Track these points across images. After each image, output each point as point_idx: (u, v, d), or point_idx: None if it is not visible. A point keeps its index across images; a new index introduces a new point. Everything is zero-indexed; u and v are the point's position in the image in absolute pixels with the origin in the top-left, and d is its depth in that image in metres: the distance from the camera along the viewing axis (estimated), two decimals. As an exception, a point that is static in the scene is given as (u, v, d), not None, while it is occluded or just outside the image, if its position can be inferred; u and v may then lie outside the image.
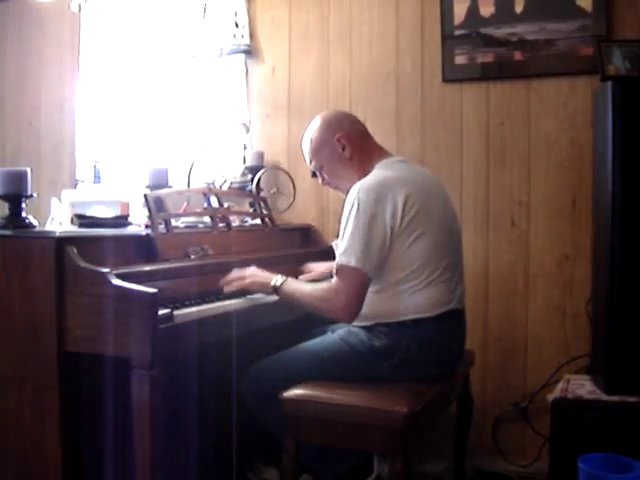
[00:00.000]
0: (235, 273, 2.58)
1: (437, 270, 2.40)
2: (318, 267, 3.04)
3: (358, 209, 2.33)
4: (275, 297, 2.56)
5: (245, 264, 2.73)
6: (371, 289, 2.37)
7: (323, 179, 2.70)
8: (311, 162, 2.69)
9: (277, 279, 2.50)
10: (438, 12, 3.40)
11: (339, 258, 2.34)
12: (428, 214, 2.40)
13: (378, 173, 2.47)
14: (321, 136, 2.62)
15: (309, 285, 2.49)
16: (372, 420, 2.22)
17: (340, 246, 2.36)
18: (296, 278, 2.87)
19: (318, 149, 2.64)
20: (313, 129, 2.66)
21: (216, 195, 3.03)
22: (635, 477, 2.39)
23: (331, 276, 2.47)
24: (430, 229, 2.39)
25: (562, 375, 3.09)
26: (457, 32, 3.36)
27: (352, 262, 2.30)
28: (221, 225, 2.94)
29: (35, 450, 2.22)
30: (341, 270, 2.34)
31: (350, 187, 2.47)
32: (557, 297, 3.24)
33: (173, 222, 2.71)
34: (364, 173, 2.51)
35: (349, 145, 2.58)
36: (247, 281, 2.55)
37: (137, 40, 4.05)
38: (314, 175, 2.74)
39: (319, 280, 2.85)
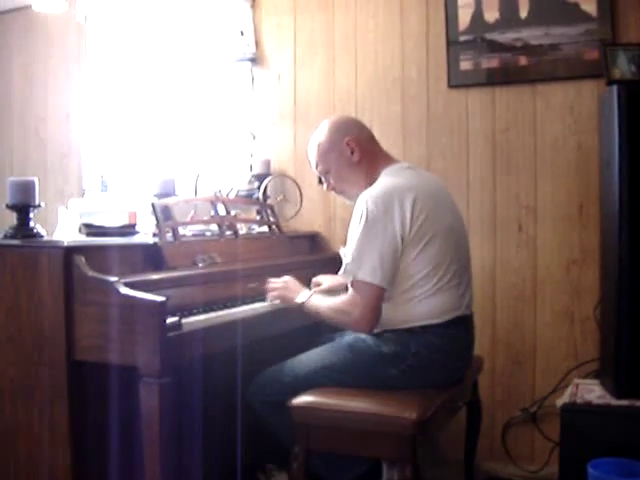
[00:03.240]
0: (270, 283, 2.66)
1: (446, 276, 2.40)
2: (327, 280, 3.01)
3: (367, 220, 2.33)
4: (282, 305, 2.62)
5: (253, 272, 2.74)
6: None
7: (328, 184, 2.69)
8: (317, 166, 2.67)
9: (303, 296, 2.54)
10: (443, 18, 3.40)
11: (352, 271, 2.35)
12: (436, 220, 2.40)
13: (385, 180, 2.47)
14: (329, 140, 2.61)
15: (329, 299, 2.50)
16: (381, 427, 2.21)
17: (350, 257, 2.36)
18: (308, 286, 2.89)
19: (326, 153, 2.62)
20: (321, 133, 2.65)
21: (223, 203, 3.04)
22: (646, 482, 2.39)
23: (345, 288, 2.48)
24: (438, 235, 2.39)
25: (571, 380, 3.09)
26: (462, 38, 3.37)
27: (367, 277, 2.31)
28: (228, 233, 2.95)
29: (44, 458, 2.22)
30: (356, 284, 2.35)
31: (356, 192, 2.48)
32: (565, 302, 3.23)
33: (180, 230, 2.71)
34: (371, 179, 2.51)
35: (358, 149, 2.57)
36: (276, 293, 2.63)
37: (142, 50, 4.06)
38: (321, 182, 2.74)
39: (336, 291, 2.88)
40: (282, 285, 2.62)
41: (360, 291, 2.33)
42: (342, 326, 2.51)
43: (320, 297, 2.54)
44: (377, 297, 2.34)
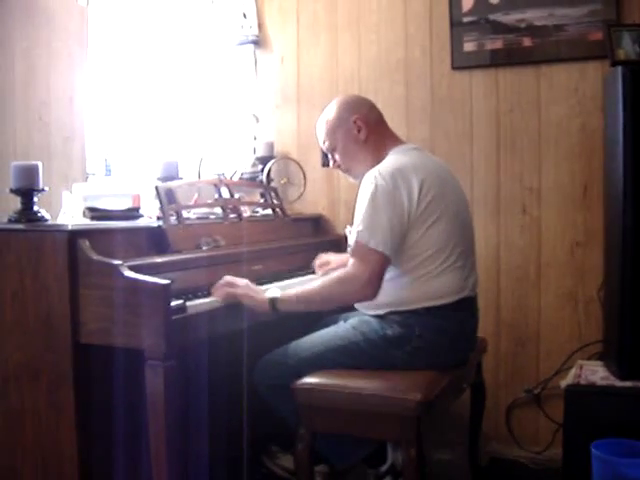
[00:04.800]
0: (227, 278, 2.46)
1: (450, 257, 2.40)
2: (332, 257, 3.02)
3: (377, 192, 2.32)
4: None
5: (257, 254, 2.74)
6: (385, 277, 2.36)
7: (334, 161, 2.69)
8: (324, 143, 2.67)
9: (271, 290, 2.43)
10: (446, -1, 3.39)
11: (364, 238, 2.32)
12: (442, 201, 2.40)
13: (394, 158, 2.47)
14: (338, 117, 2.61)
15: (316, 281, 2.46)
16: (386, 408, 2.22)
17: (362, 226, 2.34)
18: (310, 270, 2.89)
19: (333, 129, 2.62)
20: (330, 110, 2.65)
21: (227, 186, 3.04)
22: (649, 462, 2.40)
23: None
24: (444, 216, 2.39)
25: (575, 361, 3.09)
26: (466, 19, 3.35)
27: (372, 243, 2.30)
28: (232, 216, 2.95)
29: (51, 442, 2.24)
30: (361, 250, 2.33)
31: (361, 171, 2.49)
32: (569, 284, 3.24)
33: (184, 213, 2.72)
34: (378, 158, 2.51)
35: (365, 128, 2.57)
36: (239, 291, 2.41)
37: (145, 33, 4.05)
38: (324, 164, 2.74)
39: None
40: (244, 283, 2.45)
41: (367, 258, 2.31)
42: (342, 296, 2.40)
43: (296, 287, 2.47)
44: (383, 266, 2.32)
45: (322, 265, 2.98)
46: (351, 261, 2.37)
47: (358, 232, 2.35)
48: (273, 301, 2.39)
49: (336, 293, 2.38)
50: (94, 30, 4.18)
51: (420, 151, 2.58)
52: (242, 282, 2.45)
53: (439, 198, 2.39)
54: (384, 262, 2.32)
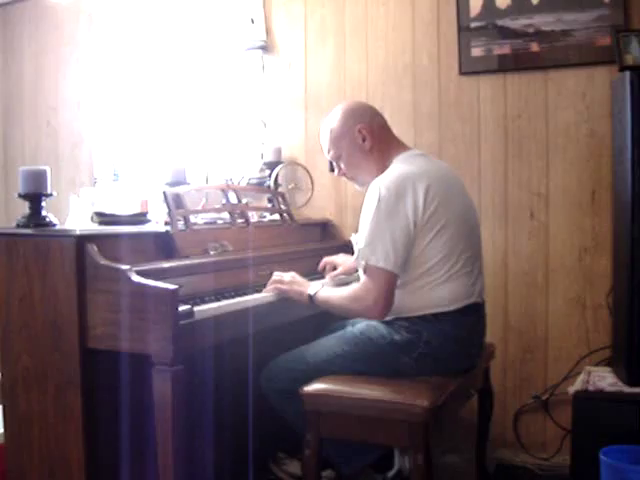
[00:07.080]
0: (275, 276, 2.61)
1: (457, 264, 2.39)
2: (339, 260, 3.03)
3: (380, 206, 2.32)
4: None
5: (264, 259, 2.74)
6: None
7: (340, 170, 2.68)
8: (329, 152, 2.66)
9: (313, 288, 2.52)
10: (454, 4, 3.39)
11: (365, 256, 2.33)
12: (448, 208, 2.38)
13: (397, 167, 2.45)
14: (342, 126, 2.59)
15: (340, 289, 2.49)
16: (393, 414, 2.21)
17: (363, 243, 2.34)
18: (321, 273, 2.89)
19: (338, 139, 2.60)
20: (333, 119, 2.63)
21: (234, 191, 3.04)
22: (658, 469, 2.38)
23: (356, 271, 2.47)
24: (451, 223, 2.38)
25: (583, 367, 3.08)
26: (473, 24, 3.35)
27: (380, 262, 2.30)
28: (240, 221, 2.95)
29: (58, 445, 2.24)
30: (369, 270, 2.33)
31: (367, 179, 2.48)
32: (577, 289, 3.23)
33: (192, 219, 2.72)
34: (383, 166, 2.51)
35: (369, 137, 2.56)
36: (285, 287, 2.57)
37: (153, 38, 4.06)
38: (332, 170, 2.73)
39: (347, 275, 2.93)
40: (289, 279, 2.59)
41: (373, 277, 2.32)
42: (355, 314, 2.49)
43: (330, 288, 2.54)
44: (390, 283, 2.32)
45: (329, 268, 2.99)
46: (363, 279, 2.37)
47: (359, 250, 2.36)
48: (311, 297, 2.50)
49: (350, 310, 2.45)
50: (102, 35, 4.19)
51: (425, 157, 2.57)
52: (288, 277, 2.59)
53: (445, 204, 2.38)
54: (389, 279, 2.32)
